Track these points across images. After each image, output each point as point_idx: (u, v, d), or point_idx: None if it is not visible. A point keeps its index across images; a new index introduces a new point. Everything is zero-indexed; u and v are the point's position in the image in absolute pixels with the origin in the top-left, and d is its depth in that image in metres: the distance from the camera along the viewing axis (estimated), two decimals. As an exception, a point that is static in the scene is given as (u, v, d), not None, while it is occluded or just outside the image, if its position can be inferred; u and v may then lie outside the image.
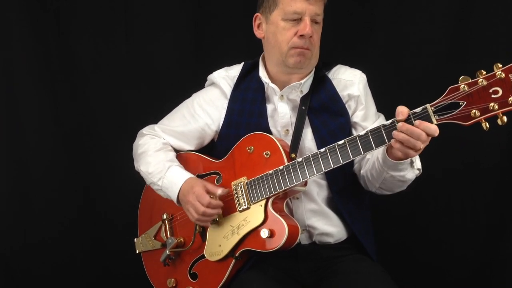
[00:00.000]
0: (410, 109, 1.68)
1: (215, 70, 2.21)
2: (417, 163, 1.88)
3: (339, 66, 2.13)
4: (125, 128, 2.73)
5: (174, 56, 2.76)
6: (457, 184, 2.57)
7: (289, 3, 1.95)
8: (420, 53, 2.56)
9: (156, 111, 2.36)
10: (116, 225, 2.80)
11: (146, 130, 2.26)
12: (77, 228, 2.80)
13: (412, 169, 1.86)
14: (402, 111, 1.68)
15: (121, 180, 2.73)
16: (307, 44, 1.96)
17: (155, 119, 2.30)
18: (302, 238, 2.01)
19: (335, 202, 2.04)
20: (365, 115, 2.05)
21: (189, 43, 2.76)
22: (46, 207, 2.77)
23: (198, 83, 2.30)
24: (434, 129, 1.64)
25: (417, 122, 1.65)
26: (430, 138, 1.67)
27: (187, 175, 2.06)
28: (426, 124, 1.64)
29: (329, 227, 2.04)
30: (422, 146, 1.68)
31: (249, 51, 2.16)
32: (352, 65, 2.14)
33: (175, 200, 2.06)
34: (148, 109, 2.70)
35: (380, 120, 2.06)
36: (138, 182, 2.32)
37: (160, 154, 2.14)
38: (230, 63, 2.21)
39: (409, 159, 1.79)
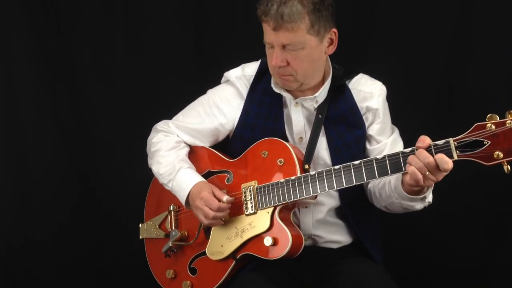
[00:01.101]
0: (433, 139, 1.65)
1: (215, 71, 2.20)
2: (429, 198, 1.85)
3: (360, 75, 2.07)
4: (125, 128, 2.76)
5: (174, 56, 2.76)
6: (458, 184, 2.56)
7: (264, 32, 1.90)
8: (420, 53, 2.55)
9: (156, 111, 2.36)
10: (116, 225, 2.79)
11: (160, 125, 2.22)
12: (77, 228, 2.80)
13: (422, 202, 1.84)
14: (423, 140, 1.65)
15: (121, 180, 2.74)
16: (281, 72, 1.91)
17: (155, 119, 2.29)
18: (306, 243, 1.97)
19: (345, 213, 2.03)
20: (381, 129, 2.02)
21: (189, 43, 2.76)
22: (46, 206, 2.77)
23: (198, 83, 2.30)
24: (446, 161, 1.59)
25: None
26: (443, 173, 1.63)
27: (196, 179, 2.03)
28: (441, 155, 1.60)
29: (335, 236, 2.04)
30: (433, 177, 1.64)
31: (249, 52, 2.15)
32: (352, 65, 2.14)
33: (183, 203, 2.05)
34: (148, 109, 2.71)
35: (395, 135, 2.04)
36: (139, 182, 2.32)
37: (172, 154, 2.10)
38: (230, 64, 2.19)
39: (421, 195, 1.78)
